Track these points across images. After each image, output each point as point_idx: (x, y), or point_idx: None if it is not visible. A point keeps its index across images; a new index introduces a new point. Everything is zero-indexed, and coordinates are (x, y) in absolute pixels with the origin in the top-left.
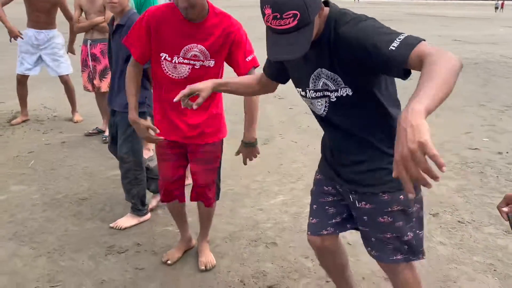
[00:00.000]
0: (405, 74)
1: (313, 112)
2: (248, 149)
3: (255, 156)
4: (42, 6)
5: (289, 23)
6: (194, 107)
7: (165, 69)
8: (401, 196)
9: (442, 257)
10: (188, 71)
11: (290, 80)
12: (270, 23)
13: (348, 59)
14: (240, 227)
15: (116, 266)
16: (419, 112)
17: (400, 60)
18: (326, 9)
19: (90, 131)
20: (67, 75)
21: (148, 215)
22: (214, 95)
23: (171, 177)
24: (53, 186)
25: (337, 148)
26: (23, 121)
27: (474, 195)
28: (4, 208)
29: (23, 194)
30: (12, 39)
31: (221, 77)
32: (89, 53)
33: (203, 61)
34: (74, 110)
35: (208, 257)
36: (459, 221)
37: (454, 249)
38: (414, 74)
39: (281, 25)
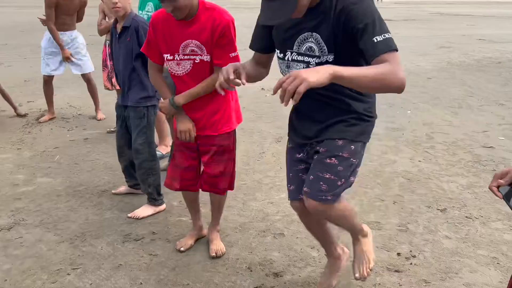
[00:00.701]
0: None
1: (282, 73)
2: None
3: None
4: (70, 10)
5: None
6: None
7: (171, 68)
8: (352, 146)
9: (446, 250)
10: (190, 66)
11: None
12: None
13: (346, 28)
14: (250, 218)
15: (132, 252)
16: (328, 69)
17: (372, 53)
18: None
19: (112, 129)
20: (89, 73)
21: (164, 206)
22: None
23: (183, 164)
24: (76, 179)
25: (307, 109)
26: (50, 119)
27: (484, 192)
28: (31, 198)
29: (49, 185)
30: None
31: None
32: (108, 53)
33: (201, 55)
34: (97, 108)
35: (218, 245)
36: (466, 217)
37: (459, 243)
38: (435, 74)
39: None
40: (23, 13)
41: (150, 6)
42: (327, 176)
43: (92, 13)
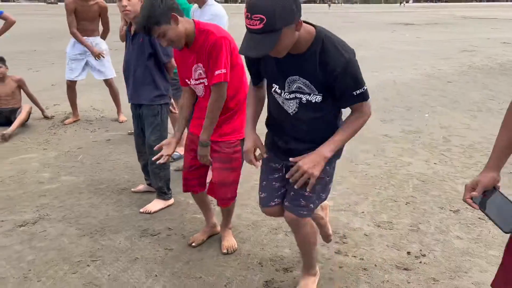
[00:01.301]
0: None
1: (278, 105)
2: (202, 149)
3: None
4: (89, 15)
5: (256, 24)
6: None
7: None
8: (327, 167)
9: (457, 250)
10: (203, 90)
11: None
12: (246, 21)
13: (328, 77)
14: (263, 216)
15: (148, 246)
16: (326, 158)
17: (351, 102)
18: (312, 29)
19: (132, 131)
20: (111, 78)
21: (172, 200)
22: (232, 95)
23: (187, 166)
24: (97, 177)
25: (294, 135)
26: (74, 121)
27: None
28: (55, 194)
29: (72, 183)
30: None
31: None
32: None
33: (205, 78)
34: (119, 111)
35: (230, 242)
36: (479, 218)
37: (470, 243)
38: (455, 78)
39: (250, 25)
40: (51, 21)
41: None
42: (306, 194)
43: (115, 20)
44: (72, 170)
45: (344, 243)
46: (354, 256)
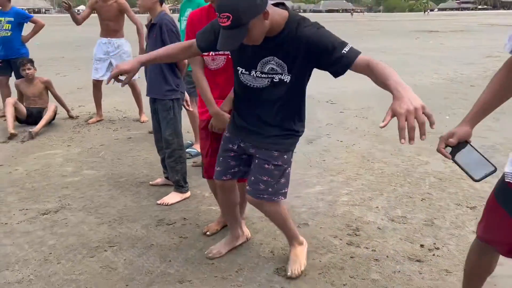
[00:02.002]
0: (339, 74)
1: (244, 83)
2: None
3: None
4: (109, 15)
5: (225, 22)
6: (122, 86)
7: (206, 63)
8: (285, 156)
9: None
10: (224, 61)
11: (344, 92)
12: (218, 20)
13: (303, 54)
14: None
15: (164, 234)
16: (409, 88)
17: (347, 62)
18: (285, 12)
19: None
20: (134, 79)
21: (189, 193)
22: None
23: (205, 152)
24: (118, 172)
25: (256, 114)
26: (98, 121)
27: None
28: (77, 187)
29: (93, 177)
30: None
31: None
32: None
33: None
34: (141, 111)
35: (244, 231)
36: None
37: None
38: (479, 82)
39: (221, 22)
40: (80, 30)
41: (189, 12)
42: (265, 179)
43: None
44: (93, 164)
45: (356, 235)
46: (366, 248)
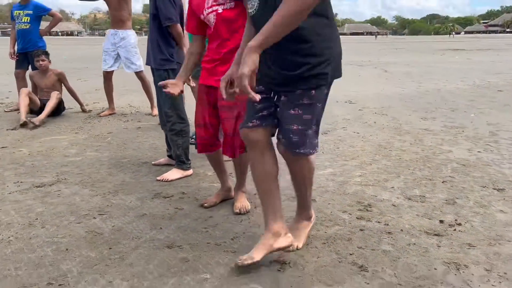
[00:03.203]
0: None
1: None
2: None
3: None
4: (112, 4)
5: None
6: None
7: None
8: (313, 92)
9: (499, 222)
10: (214, 18)
11: (365, 95)
12: None
13: None
14: (282, 187)
15: (159, 205)
16: (251, 47)
17: None
18: None
19: None
20: (142, 71)
21: (191, 171)
22: (233, 31)
23: (201, 121)
24: (121, 154)
25: (275, 58)
26: (110, 114)
27: None
28: (77, 165)
29: (95, 158)
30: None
31: (245, 17)
32: None
33: (223, 4)
34: (152, 104)
35: (243, 203)
36: None
37: None
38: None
39: None
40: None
41: None
42: (295, 128)
43: None
44: (98, 148)
45: (368, 211)
46: (378, 222)
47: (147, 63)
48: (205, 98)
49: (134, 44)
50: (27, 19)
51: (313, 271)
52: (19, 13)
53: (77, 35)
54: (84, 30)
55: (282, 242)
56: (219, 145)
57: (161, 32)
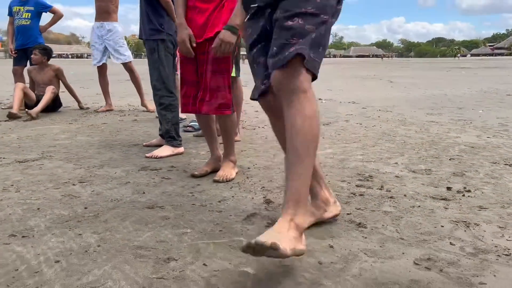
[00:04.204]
0: None
1: None
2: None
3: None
4: None
5: None
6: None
7: None
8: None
9: None
10: None
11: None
12: None
13: None
14: (277, 164)
15: (145, 176)
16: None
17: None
18: None
19: None
20: (131, 62)
21: (182, 148)
22: None
23: (190, 79)
24: (113, 138)
25: None
26: (107, 110)
27: None
28: (65, 146)
29: (85, 141)
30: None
31: None
32: None
33: None
34: (142, 99)
35: (226, 171)
36: None
37: None
38: None
39: None
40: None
41: None
42: (293, 41)
43: None
44: (89, 133)
45: (368, 181)
46: (380, 189)
47: (140, 37)
48: (183, 56)
49: (121, 35)
50: (28, 15)
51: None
52: (19, 9)
53: (87, 58)
54: None
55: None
56: (206, 106)
57: (149, 2)
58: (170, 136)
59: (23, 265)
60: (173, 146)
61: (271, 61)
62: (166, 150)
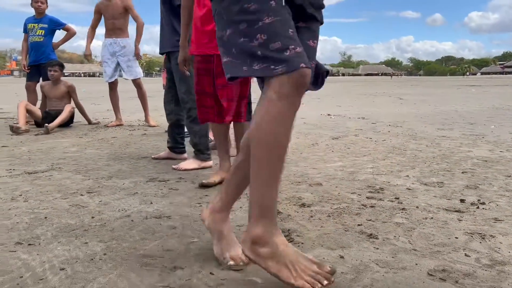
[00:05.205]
0: None
1: None
2: None
3: None
4: (114, 13)
5: None
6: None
7: None
8: None
9: None
10: None
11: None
12: None
13: None
14: (287, 175)
15: (153, 187)
16: None
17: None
18: None
19: None
20: (139, 79)
21: (211, 162)
22: None
23: (207, 91)
24: (122, 151)
25: None
26: (117, 125)
27: None
28: (74, 158)
29: (94, 154)
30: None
31: None
32: None
33: None
34: (147, 114)
35: None
36: None
37: None
38: None
39: None
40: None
41: None
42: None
43: None
44: (99, 146)
45: (379, 192)
46: (391, 201)
47: (161, 51)
48: (202, 67)
49: (134, 52)
50: (42, 32)
51: (316, 237)
52: (34, 26)
53: (98, 76)
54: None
55: None
56: (222, 117)
57: (173, 13)
58: (198, 149)
59: (28, 272)
60: (200, 159)
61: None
62: (193, 163)
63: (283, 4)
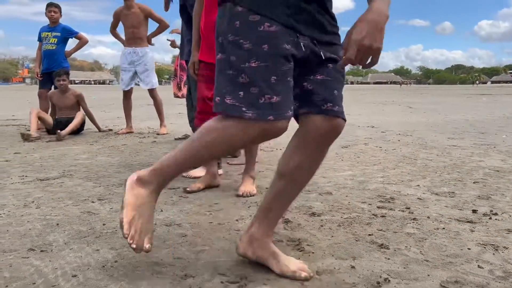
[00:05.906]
0: None
1: None
2: None
3: None
4: (134, 22)
5: None
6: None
7: None
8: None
9: None
10: None
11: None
12: None
13: None
14: None
15: (163, 195)
16: (386, 16)
17: None
18: None
19: (180, 136)
20: (155, 89)
21: (220, 170)
22: None
23: (207, 96)
24: (132, 159)
25: None
26: (128, 133)
27: None
28: (85, 165)
29: (105, 161)
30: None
31: None
32: (179, 64)
33: None
34: (162, 123)
35: (248, 187)
36: None
37: None
38: None
39: None
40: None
41: None
42: (336, 93)
43: None
44: (109, 153)
45: (390, 202)
46: (402, 211)
47: (182, 57)
48: (205, 74)
49: (153, 61)
50: (55, 40)
51: (326, 247)
52: (47, 35)
53: (109, 84)
54: (115, 79)
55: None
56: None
57: (191, 23)
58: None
59: (40, 278)
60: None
61: (337, 108)
62: (202, 171)
63: (282, 54)
